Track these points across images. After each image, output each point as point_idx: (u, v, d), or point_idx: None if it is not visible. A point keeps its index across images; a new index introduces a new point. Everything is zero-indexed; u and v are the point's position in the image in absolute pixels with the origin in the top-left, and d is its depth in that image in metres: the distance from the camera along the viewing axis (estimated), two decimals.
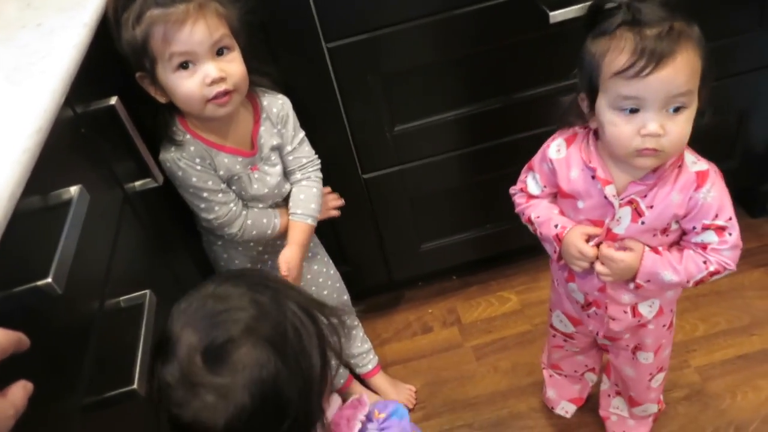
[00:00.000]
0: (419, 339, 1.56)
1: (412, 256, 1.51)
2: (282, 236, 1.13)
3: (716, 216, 0.85)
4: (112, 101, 0.84)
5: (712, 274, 0.88)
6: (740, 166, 1.51)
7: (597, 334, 1.06)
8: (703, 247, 0.88)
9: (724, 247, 0.86)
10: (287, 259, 1.08)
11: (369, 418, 0.74)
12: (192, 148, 0.99)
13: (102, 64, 0.87)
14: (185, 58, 0.90)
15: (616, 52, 0.77)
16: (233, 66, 0.94)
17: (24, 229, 0.58)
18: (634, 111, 0.78)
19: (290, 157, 1.11)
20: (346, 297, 1.34)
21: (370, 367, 1.42)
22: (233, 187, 1.06)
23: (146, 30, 0.88)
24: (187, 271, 1.08)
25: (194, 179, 1.00)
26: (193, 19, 0.88)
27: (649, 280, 0.90)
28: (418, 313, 1.61)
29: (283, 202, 1.14)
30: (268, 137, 1.06)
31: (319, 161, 1.15)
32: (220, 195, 1.03)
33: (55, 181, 0.68)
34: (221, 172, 1.02)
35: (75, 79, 0.77)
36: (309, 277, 1.25)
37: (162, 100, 0.96)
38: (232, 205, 1.04)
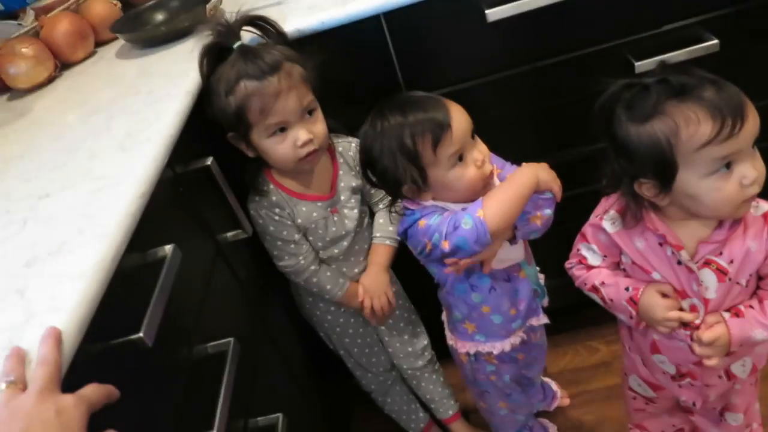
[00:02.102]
0: None
1: None
2: None
3: None
4: (208, 162, 0.93)
5: None
6: None
7: (693, 404, 1.00)
8: None
9: None
10: (363, 282, 1.16)
11: None
12: (274, 198, 1.06)
13: (200, 127, 0.96)
14: (280, 126, 0.98)
15: (692, 125, 0.73)
16: (318, 126, 1.01)
17: (122, 285, 0.66)
18: (728, 166, 0.76)
19: (372, 191, 1.16)
20: (427, 341, 1.35)
21: (450, 412, 1.42)
22: (310, 238, 1.11)
23: (242, 101, 0.95)
24: (275, 317, 1.15)
25: (271, 228, 1.07)
26: (285, 92, 0.95)
27: (741, 344, 0.86)
28: None
29: (361, 253, 1.18)
30: (347, 180, 1.12)
31: None
32: (292, 246, 1.09)
33: (155, 238, 0.76)
34: (299, 221, 1.08)
35: (176, 143, 0.85)
36: (392, 322, 1.29)
37: (251, 155, 1.04)
38: (301, 258, 1.10)
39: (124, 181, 0.75)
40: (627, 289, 0.90)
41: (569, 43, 1.15)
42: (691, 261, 0.84)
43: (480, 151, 0.95)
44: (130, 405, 0.62)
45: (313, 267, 1.12)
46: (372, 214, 1.20)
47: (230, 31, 0.98)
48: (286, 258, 1.10)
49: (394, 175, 0.92)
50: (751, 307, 0.86)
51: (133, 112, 0.95)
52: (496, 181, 0.99)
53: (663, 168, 0.77)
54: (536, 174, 0.93)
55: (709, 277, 0.84)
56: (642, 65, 1.11)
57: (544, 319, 1.15)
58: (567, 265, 1.01)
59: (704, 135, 0.73)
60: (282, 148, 0.99)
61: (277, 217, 1.07)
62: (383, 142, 0.91)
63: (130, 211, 0.70)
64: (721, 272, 0.84)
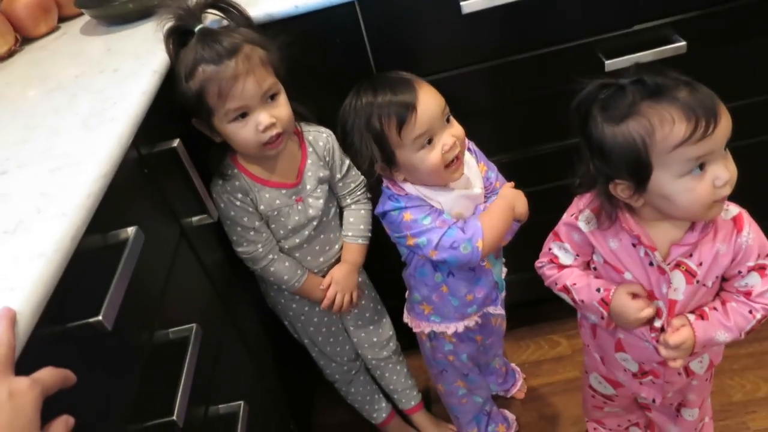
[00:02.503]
0: None
1: None
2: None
3: (758, 256, 0.85)
4: (175, 144, 0.91)
5: (759, 321, 0.87)
6: None
7: (653, 401, 1.02)
8: (746, 293, 0.87)
9: (766, 287, 0.85)
10: (334, 274, 1.17)
11: None
12: (237, 183, 1.05)
13: (167, 108, 0.94)
14: (240, 111, 0.96)
15: (667, 126, 0.74)
16: (281, 110, 0.99)
17: (82, 267, 0.64)
18: (701, 167, 0.77)
19: (340, 184, 1.15)
20: (392, 332, 1.35)
21: (412, 403, 1.43)
22: (272, 226, 1.10)
23: (200, 86, 0.93)
24: (240, 304, 1.13)
25: (232, 213, 1.06)
26: (243, 76, 0.93)
27: (705, 346, 0.88)
28: None
29: (325, 243, 1.17)
30: (315, 169, 1.11)
31: (366, 182, 1.18)
32: (251, 233, 1.08)
33: (117, 220, 0.74)
34: (262, 207, 1.07)
35: (142, 124, 0.83)
36: (356, 311, 1.29)
37: (217, 140, 1.02)
38: (259, 246, 1.09)
39: (87, 160, 0.73)
40: (598, 290, 0.90)
41: (542, 38, 1.15)
42: (664, 262, 0.85)
43: (453, 134, 0.96)
44: (87, 390, 0.61)
45: (271, 256, 1.10)
46: (340, 210, 1.19)
47: (191, 14, 0.96)
48: (245, 244, 1.08)
49: (363, 153, 0.96)
50: (714, 309, 0.88)
51: (97, 90, 0.92)
52: (470, 169, 1.03)
53: (638, 168, 0.77)
54: (514, 205, 1.04)
55: (678, 278, 0.86)
56: (612, 63, 1.12)
57: (500, 310, 1.18)
58: (537, 264, 1.01)
59: (678, 135, 0.74)
60: (244, 132, 0.98)
61: (238, 203, 1.05)
62: (355, 120, 0.96)
63: (91, 190, 0.68)
64: (689, 274, 0.85)
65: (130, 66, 0.97)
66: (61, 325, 0.59)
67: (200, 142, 1.01)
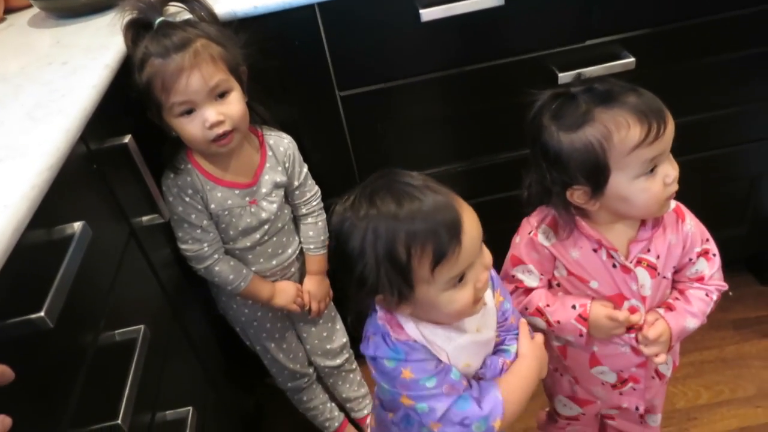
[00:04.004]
0: None
1: None
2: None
3: (701, 241, 0.91)
4: (126, 140, 0.88)
5: (716, 302, 0.93)
6: (750, 232, 1.51)
7: (636, 409, 1.03)
8: (699, 279, 0.92)
9: (714, 269, 0.92)
10: (308, 288, 1.21)
11: None
12: (188, 179, 1.02)
13: (119, 104, 0.91)
14: (186, 107, 0.95)
15: (623, 129, 0.77)
16: (232, 107, 0.97)
17: (25, 261, 0.61)
18: (653, 168, 0.81)
19: (297, 192, 1.14)
20: (346, 339, 1.34)
21: (365, 411, 1.42)
22: (222, 225, 1.08)
23: (148, 78, 0.93)
24: (190, 308, 1.10)
25: (180, 209, 1.03)
26: (188, 70, 0.92)
27: (679, 336, 0.92)
28: None
29: (277, 247, 1.15)
30: (272, 174, 1.09)
31: (320, 191, 1.18)
32: (198, 231, 1.05)
33: (63, 215, 0.71)
34: (212, 206, 1.05)
35: (92, 118, 0.80)
36: (309, 319, 1.27)
37: (172, 134, 1.00)
38: (205, 245, 1.06)
39: (31, 152, 0.69)
40: (574, 306, 0.91)
41: (499, 49, 1.18)
42: (626, 261, 0.88)
43: (486, 266, 0.74)
44: (26, 389, 0.58)
45: (216, 256, 1.08)
46: (294, 217, 1.18)
47: (152, 6, 0.95)
48: (190, 242, 1.06)
49: (370, 281, 0.70)
50: (677, 299, 0.92)
51: (44, 82, 0.89)
52: (488, 303, 0.80)
53: (596, 172, 0.80)
54: (542, 369, 0.84)
55: (643, 274, 0.89)
56: (564, 76, 1.16)
57: None
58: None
59: (634, 138, 0.77)
60: (190, 127, 0.96)
61: (188, 199, 1.03)
62: (366, 236, 0.69)
63: (35, 183, 0.65)
64: (651, 268, 0.89)
65: (80, 59, 0.94)
66: (0, 321, 0.56)
67: (153, 139, 0.99)
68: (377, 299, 0.75)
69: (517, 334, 0.85)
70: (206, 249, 1.06)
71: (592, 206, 0.85)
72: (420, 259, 0.68)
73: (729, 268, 0.92)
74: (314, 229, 1.18)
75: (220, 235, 1.09)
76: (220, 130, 0.96)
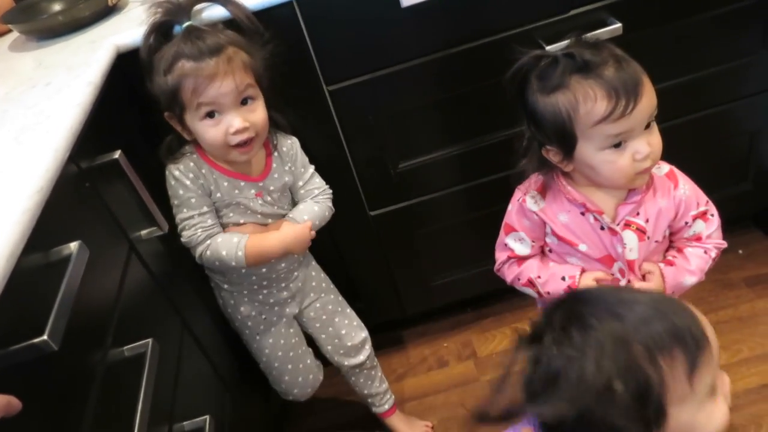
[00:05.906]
0: (435, 374, 1.54)
1: (425, 291, 1.51)
2: (286, 287, 1.17)
3: (698, 204, 0.91)
4: (116, 155, 0.87)
5: (714, 259, 0.93)
6: (755, 188, 1.49)
7: None
8: (697, 239, 0.92)
9: (712, 229, 0.92)
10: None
11: None
12: (191, 164, 1.02)
13: (106, 120, 0.91)
14: (212, 108, 0.95)
15: (589, 102, 0.77)
16: (256, 115, 0.98)
17: (23, 286, 0.61)
18: (619, 144, 0.81)
19: (302, 191, 1.14)
20: (365, 334, 1.32)
21: (386, 407, 1.40)
22: (231, 214, 1.06)
23: (177, 80, 0.93)
24: (198, 317, 1.10)
25: (181, 191, 1.02)
26: (222, 75, 0.93)
27: (673, 291, 0.92)
28: (433, 348, 1.60)
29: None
30: (281, 172, 1.09)
31: (331, 191, 1.16)
32: (195, 216, 1.03)
33: (58, 237, 0.70)
34: (218, 195, 1.04)
35: (79, 136, 0.80)
36: (324, 317, 1.26)
37: (188, 138, 1.01)
38: (199, 230, 1.03)
39: (20, 176, 0.69)
40: (563, 278, 0.92)
41: (483, 28, 1.16)
42: (613, 223, 0.88)
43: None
44: (36, 416, 0.57)
45: (208, 242, 1.04)
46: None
47: (180, 9, 0.97)
48: (186, 228, 1.04)
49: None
50: (675, 257, 0.92)
51: (29, 105, 0.88)
52: None
53: (564, 138, 0.82)
54: None
55: (630, 237, 0.88)
56: (552, 48, 1.13)
57: None
58: (496, 267, 1.01)
59: (598, 113, 0.77)
60: (214, 131, 0.96)
61: (188, 182, 1.01)
62: (585, 366, 0.55)
63: (27, 206, 0.64)
64: (640, 231, 0.89)
65: (63, 79, 0.93)
66: (2, 349, 0.56)
67: (146, 150, 0.99)
68: None
69: None
70: (200, 233, 1.03)
71: (565, 167, 0.86)
72: (673, 370, 0.56)
73: (737, 225, 0.91)
74: (305, 205, 1.12)
75: (221, 221, 1.07)
76: (244, 137, 0.97)
